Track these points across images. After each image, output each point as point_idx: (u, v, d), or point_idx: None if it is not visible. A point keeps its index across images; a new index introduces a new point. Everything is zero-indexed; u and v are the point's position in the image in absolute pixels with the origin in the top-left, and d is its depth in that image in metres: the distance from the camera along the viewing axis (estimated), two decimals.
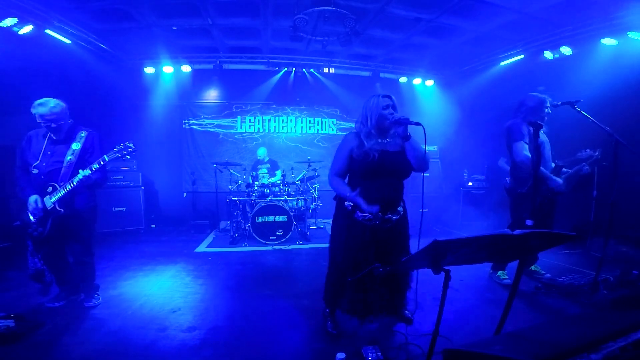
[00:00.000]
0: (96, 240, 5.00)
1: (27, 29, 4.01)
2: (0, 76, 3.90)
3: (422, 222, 1.89)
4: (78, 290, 2.77)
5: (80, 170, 2.41)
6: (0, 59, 3.95)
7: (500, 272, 3.22)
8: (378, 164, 1.95)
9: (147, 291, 3.09)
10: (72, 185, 2.40)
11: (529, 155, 2.81)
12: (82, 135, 2.58)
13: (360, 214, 1.98)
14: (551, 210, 3.10)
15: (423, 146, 1.88)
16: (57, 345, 2.12)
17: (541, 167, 2.78)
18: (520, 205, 3.07)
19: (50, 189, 2.44)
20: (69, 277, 2.73)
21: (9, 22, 3.85)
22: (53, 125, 2.44)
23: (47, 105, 2.40)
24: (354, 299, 2.14)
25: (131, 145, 2.48)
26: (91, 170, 2.40)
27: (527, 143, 2.86)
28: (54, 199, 2.42)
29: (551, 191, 2.94)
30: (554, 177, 2.91)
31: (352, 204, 2.02)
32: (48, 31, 4.29)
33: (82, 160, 2.51)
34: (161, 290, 3.12)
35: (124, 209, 5.53)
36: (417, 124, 1.86)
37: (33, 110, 2.40)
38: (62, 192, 2.41)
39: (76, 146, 2.52)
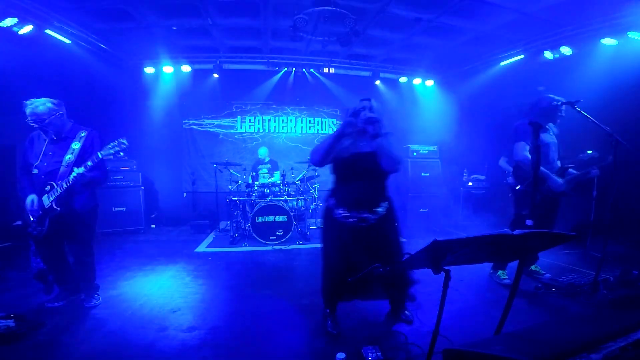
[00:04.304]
0: (96, 240, 5.02)
1: (27, 29, 4.01)
2: (0, 76, 3.90)
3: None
4: (78, 290, 2.78)
5: (75, 168, 2.42)
6: (0, 59, 3.95)
7: (500, 272, 3.22)
8: (350, 162, 2.03)
9: (147, 291, 3.09)
10: (67, 183, 2.41)
11: (528, 155, 2.86)
12: (82, 134, 2.58)
13: (338, 212, 2.07)
14: (552, 210, 3.11)
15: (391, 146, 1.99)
16: (57, 345, 2.12)
17: (541, 167, 2.80)
18: (518, 202, 3.13)
19: (48, 187, 2.45)
20: (68, 277, 2.73)
21: (9, 22, 3.86)
22: (40, 124, 2.44)
23: (31, 105, 2.42)
24: (352, 296, 2.25)
25: (124, 141, 2.47)
26: (85, 167, 2.41)
27: (528, 144, 2.89)
28: (51, 198, 2.43)
29: (551, 191, 2.94)
30: (554, 177, 2.92)
31: (334, 202, 2.13)
32: (48, 31, 4.29)
33: (82, 159, 2.51)
34: (161, 290, 3.12)
35: (124, 209, 5.53)
36: (379, 120, 1.98)
37: (26, 110, 2.42)
38: (59, 190, 2.42)
39: (76, 145, 2.53)
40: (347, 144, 2.08)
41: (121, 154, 2.50)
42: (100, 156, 2.43)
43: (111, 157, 2.50)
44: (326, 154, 2.03)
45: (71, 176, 2.40)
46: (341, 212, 2.08)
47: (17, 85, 3.94)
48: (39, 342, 2.16)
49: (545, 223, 2.95)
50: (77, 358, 2.02)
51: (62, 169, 2.46)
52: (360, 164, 2.05)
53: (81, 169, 2.41)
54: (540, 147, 2.83)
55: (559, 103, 2.88)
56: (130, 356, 2.04)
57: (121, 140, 2.47)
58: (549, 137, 2.99)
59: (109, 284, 3.20)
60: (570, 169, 3.09)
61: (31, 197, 2.44)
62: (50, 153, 2.50)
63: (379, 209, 2.11)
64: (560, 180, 2.93)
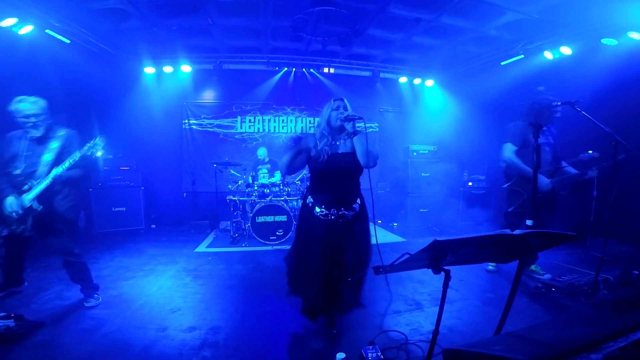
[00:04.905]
0: (96, 240, 5.02)
1: (27, 29, 4.01)
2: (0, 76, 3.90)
3: (374, 212, 2.20)
4: (20, 282, 2.86)
5: (54, 168, 2.42)
6: (0, 59, 3.95)
7: None
8: (328, 164, 2.10)
9: (147, 291, 3.09)
10: (46, 182, 2.40)
11: (512, 156, 3.04)
12: (61, 133, 2.57)
13: (318, 210, 2.15)
14: (542, 210, 3.13)
15: (371, 143, 2.07)
16: (57, 345, 2.12)
17: (525, 167, 3.00)
18: (506, 199, 3.29)
19: (27, 187, 2.43)
20: (16, 272, 2.79)
21: (9, 22, 3.85)
22: (33, 120, 2.44)
23: (26, 101, 2.42)
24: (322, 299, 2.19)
25: (102, 140, 2.49)
26: (63, 167, 2.41)
27: (516, 145, 3.05)
28: (30, 196, 2.41)
29: (540, 191, 3.02)
30: (540, 176, 2.98)
31: (312, 201, 2.18)
32: (48, 31, 4.29)
33: (60, 158, 2.50)
34: (161, 290, 3.12)
35: (124, 209, 5.53)
36: (360, 118, 2.05)
37: (12, 107, 2.41)
38: (38, 189, 2.41)
39: (54, 144, 2.52)
40: (323, 146, 2.14)
41: (100, 152, 2.49)
42: (78, 155, 2.43)
43: (96, 154, 2.50)
44: (290, 167, 2.14)
45: (50, 176, 2.41)
46: (321, 210, 2.15)
47: (17, 85, 3.93)
48: (39, 342, 2.16)
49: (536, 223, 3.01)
50: (77, 358, 2.02)
51: (41, 168, 2.45)
52: (338, 165, 2.13)
53: (59, 169, 2.41)
54: (532, 147, 2.94)
55: (558, 103, 2.88)
56: (130, 356, 2.05)
57: (99, 138, 2.48)
58: (543, 137, 3.05)
59: (109, 284, 3.20)
60: (566, 169, 3.11)
61: (10, 199, 2.40)
62: (30, 153, 2.49)
63: (355, 206, 2.20)
64: (546, 179, 3.01)
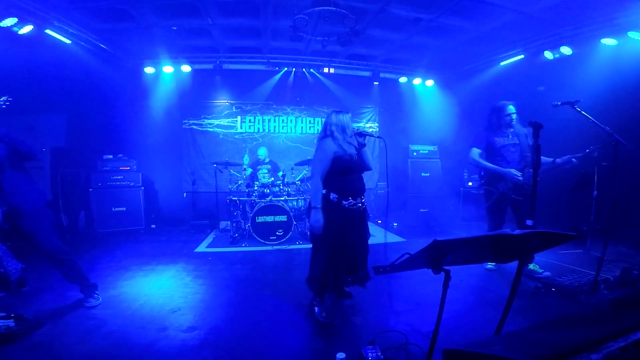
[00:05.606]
0: (96, 240, 5.02)
1: (27, 29, 4.01)
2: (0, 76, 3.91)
3: (387, 207, 3.01)
4: (22, 284, 2.76)
5: None
6: (0, 59, 3.95)
7: None
8: (357, 162, 2.54)
9: (147, 291, 3.09)
10: None
11: (477, 158, 3.38)
12: None
13: (345, 202, 2.49)
14: (518, 206, 3.23)
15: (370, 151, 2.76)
16: (57, 345, 2.12)
17: (490, 165, 3.27)
18: (482, 197, 3.53)
19: None
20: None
21: (9, 22, 3.85)
22: None
23: None
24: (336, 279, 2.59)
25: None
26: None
27: (480, 148, 3.39)
28: None
29: (510, 188, 3.19)
30: (506, 171, 3.16)
31: (337, 196, 2.51)
32: (48, 31, 4.29)
33: None
34: (161, 290, 3.12)
35: (124, 209, 5.52)
36: (371, 135, 2.73)
37: None
38: None
39: None
40: (343, 150, 2.49)
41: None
42: None
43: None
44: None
45: None
46: (348, 201, 2.50)
47: (16, 85, 3.93)
48: (39, 342, 2.16)
49: (516, 220, 3.29)
50: (77, 358, 2.02)
51: None
52: (355, 163, 2.55)
53: None
54: (497, 149, 3.26)
55: (558, 103, 2.87)
56: (130, 356, 2.05)
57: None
58: (507, 139, 3.30)
59: (109, 284, 3.20)
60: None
61: None
62: None
63: (365, 194, 2.68)
64: (512, 171, 3.14)
